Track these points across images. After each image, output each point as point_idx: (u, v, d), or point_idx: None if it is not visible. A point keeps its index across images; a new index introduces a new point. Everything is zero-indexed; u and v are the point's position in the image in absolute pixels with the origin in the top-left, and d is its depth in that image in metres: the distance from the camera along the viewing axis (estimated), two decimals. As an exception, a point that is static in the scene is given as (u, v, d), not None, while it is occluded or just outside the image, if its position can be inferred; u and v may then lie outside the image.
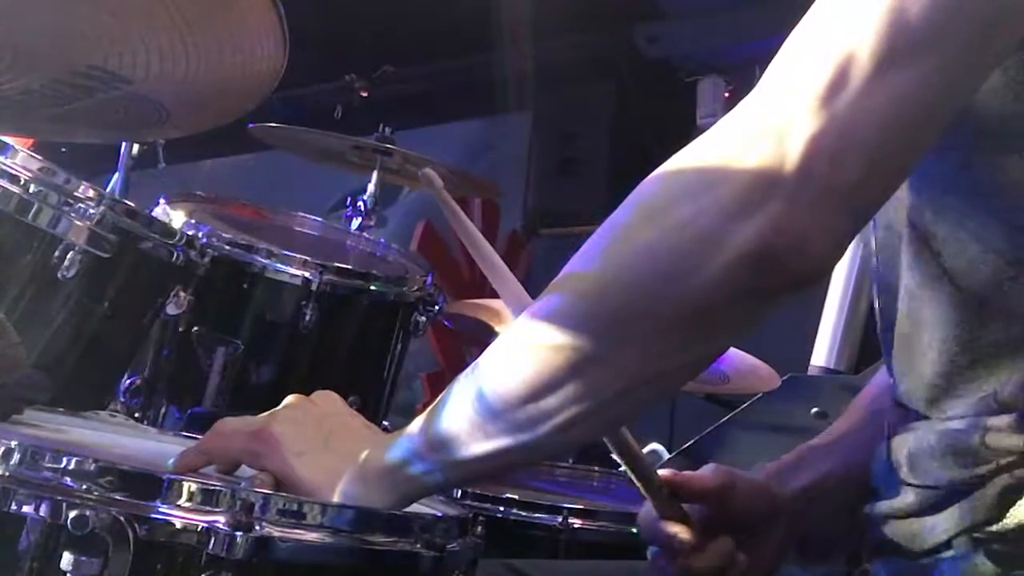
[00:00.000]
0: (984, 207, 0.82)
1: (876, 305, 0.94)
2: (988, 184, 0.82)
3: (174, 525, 0.73)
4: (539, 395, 0.77)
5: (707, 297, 0.72)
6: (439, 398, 0.84)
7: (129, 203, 1.46)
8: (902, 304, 0.89)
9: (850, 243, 0.73)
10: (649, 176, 0.77)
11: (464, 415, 0.81)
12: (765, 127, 0.71)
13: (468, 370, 0.83)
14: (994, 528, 0.81)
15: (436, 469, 0.84)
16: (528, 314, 0.80)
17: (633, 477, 0.99)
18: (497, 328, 2.09)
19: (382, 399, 1.94)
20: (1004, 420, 0.82)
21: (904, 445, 0.88)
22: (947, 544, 0.84)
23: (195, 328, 1.73)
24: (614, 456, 0.98)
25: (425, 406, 0.87)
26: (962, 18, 0.69)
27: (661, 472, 1.00)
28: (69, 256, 1.33)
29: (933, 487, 0.85)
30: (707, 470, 1.04)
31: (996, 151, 0.81)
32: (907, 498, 0.87)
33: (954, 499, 0.84)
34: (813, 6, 0.74)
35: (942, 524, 0.84)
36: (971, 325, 0.83)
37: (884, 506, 0.90)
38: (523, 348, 0.79)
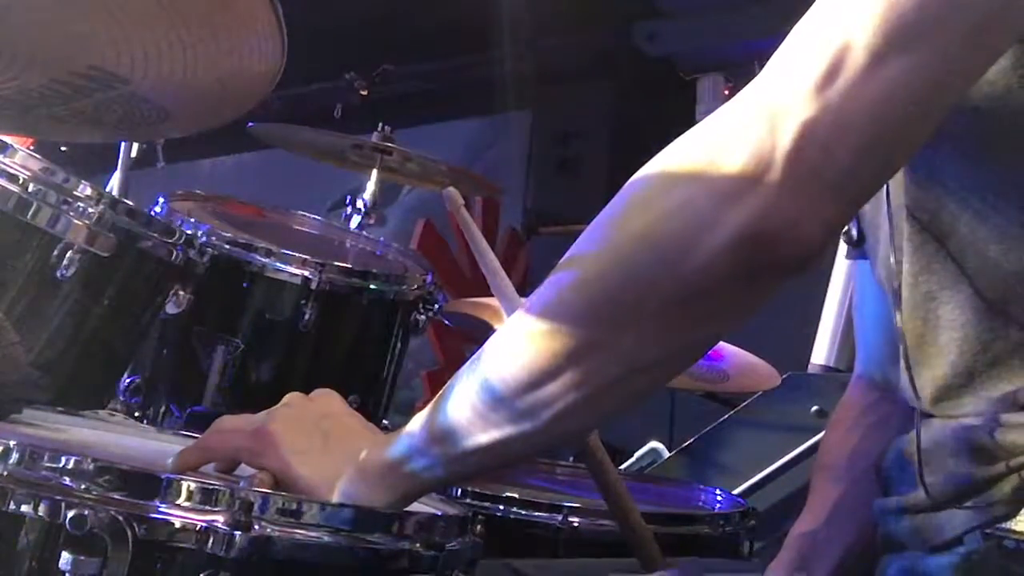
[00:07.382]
0: (1002, 207, 0.82)
1: (899, 312, 0.90)
2: (1006, 184, 0.82)
3: (173, 524, 0.73)
4: (539, 382, 0.77)
5: (699, 281, 0.72)
6: (440, 393, 0.84)
7: (128, 202, 1.45)
8: (917, 306, 0.88)
9: (841, 230, 0.73)
10: (643, 167, 0.77)
11: (466, 406, 0.81)
12: (759, 114, 0.72)
13: (469, 363, 0.83)
14: (1008, 525, 0.81)
15: (437, 463, 0.84)
16: (527, 304, 0.80)
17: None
18: (496, 326, 2.09)
19: (382, 398, 1.94)
20: (1020, 418, 0.82)
21: (919, 441, 0.87)
22: (959, 540, 0.84)
23: (195, 327, 1.73)
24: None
25: (425, 404, 0.87)
26: (957, 13, 0.70)
27: None
28: (68, 255, 1.33)
29: (949, 483, 0.85)
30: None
31: (1012, 151, 0.81)
32: (921, 493, 0.87)
33: (969, 496, 0.83)
34: (815, 1, 0.74)
35: (956, 520, 0.84)
36: (991, 325, 0.83)
37: (896, 501, 0.90)
38: (522, 337, 0.79)
